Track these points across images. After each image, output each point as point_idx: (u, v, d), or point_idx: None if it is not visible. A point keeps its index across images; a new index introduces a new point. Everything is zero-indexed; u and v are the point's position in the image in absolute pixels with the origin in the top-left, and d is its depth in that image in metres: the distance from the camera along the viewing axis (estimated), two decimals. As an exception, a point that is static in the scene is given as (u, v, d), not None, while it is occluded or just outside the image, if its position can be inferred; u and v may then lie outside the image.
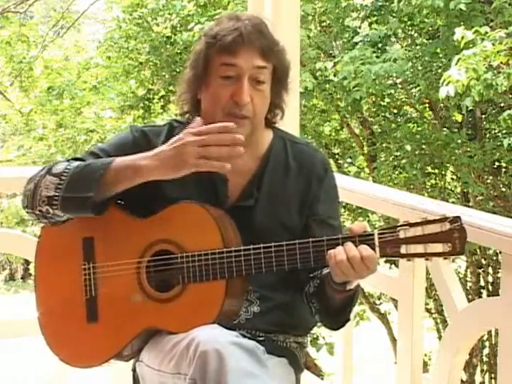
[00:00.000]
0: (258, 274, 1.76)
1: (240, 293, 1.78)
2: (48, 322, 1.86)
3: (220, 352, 1.56)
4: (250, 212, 1.83)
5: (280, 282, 1.84)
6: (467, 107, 6.13)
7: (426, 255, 1.66)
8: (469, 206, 7.49)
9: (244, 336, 1.72)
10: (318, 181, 1.88)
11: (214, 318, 1.70)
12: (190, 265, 1.72)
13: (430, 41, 7.59)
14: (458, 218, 1.65)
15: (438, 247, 1.65)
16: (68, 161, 1.83)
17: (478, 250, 8.09)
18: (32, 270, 14.30)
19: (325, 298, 1.79)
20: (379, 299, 9.26)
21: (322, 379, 6.48)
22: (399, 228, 1.66)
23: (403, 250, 1.66)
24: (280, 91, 1.87)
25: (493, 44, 5.69)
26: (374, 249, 1.66)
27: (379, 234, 1.67)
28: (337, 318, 1.84)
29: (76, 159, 1.84)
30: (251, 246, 1.71)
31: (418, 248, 1.66)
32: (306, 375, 1.99)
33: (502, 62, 5.75)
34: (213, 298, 1.72)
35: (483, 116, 8.00)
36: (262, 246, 1.71)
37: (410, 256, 1.67)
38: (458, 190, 8.57)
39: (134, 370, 1.90)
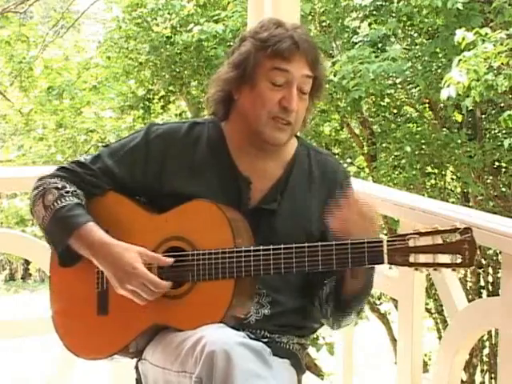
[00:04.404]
0: (270, 279, 1.78)
1: (248, 293, 1.79)
2: (60, 311, 1.89)
3: (228, 352, 1.56)
4: (272, 215, 1.85)
5: (293, 288, 1.86)
6: (467, 107, 6.12)
7: (434, 265, 1.65)
8: (469, 206, 7.48)
9: (249, 337, 1.72)
10: (339, 190, 1.89)
11: (221, 316, 1.71)
12: (200, 263, 1.74)
13: (430, 40, 7.58)
14: (469, 229, 1.64)
15: (447, 258, 1.64)
16: (64, 178, 1.85)
17: (477, 250, 8.06)
18: (32, 270, 14.32)
19: (341, 293, 1.80)
20: (379, 299, 9.25)
21: (322, 379, 6.48)
22: (409, 236, 1.65)
23: (412, 258, 1.65)
24: (313, 103, 1.92)
25: (493, 45, 5.69)
26: (382, 256, 1.66)
27: (388, 241, 1.66)
28: (350, 308, 1.83)
29: (80, 164, 1.88)
30: (261, 247, 1.73)
31: (427, 258, 1.65)
32: (306, 375, 1.99)
33: (502, 63, 5.75)
34: (221, 296, 1.73)
35: (483, 116, 7.99)
36: (271, 247, 1.72)
37: (418, 265, 1.66)
38: (458, 190, 8.57)
39: (136, 367, 1.90)
